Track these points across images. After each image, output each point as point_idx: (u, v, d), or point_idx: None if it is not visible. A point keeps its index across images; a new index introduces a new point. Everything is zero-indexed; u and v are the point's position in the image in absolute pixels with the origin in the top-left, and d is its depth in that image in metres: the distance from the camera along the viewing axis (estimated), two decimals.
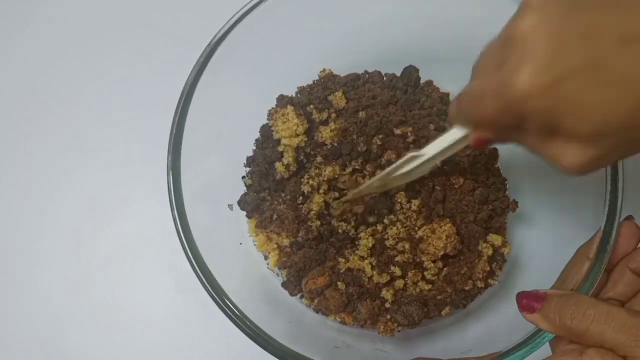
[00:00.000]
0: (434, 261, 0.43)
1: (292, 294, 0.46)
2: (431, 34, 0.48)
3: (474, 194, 0.44)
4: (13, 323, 0.55)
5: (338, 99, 0.47)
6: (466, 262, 0.44)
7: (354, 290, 0.44)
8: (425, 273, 0.44)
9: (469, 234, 0.44)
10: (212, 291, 0.39)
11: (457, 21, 0.44)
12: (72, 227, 0.56)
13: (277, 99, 0.48)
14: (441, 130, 0.46)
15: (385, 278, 0.43)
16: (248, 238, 0.48)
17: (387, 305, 0.44)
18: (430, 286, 0.44)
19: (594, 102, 0.23)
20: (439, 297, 0.44)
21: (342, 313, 0.45)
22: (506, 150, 0.47)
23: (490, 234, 0.44)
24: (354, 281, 0.44)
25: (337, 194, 0.46)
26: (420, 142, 0.45)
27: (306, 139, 0.46)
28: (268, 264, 0.47)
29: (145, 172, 0.54)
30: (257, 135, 0.48)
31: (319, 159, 0.46)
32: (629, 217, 0.37)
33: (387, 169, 0.41)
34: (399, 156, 0.43)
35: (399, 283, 0.44)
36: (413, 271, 0.44)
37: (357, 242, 0.45)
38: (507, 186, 0.46)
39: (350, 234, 0.45)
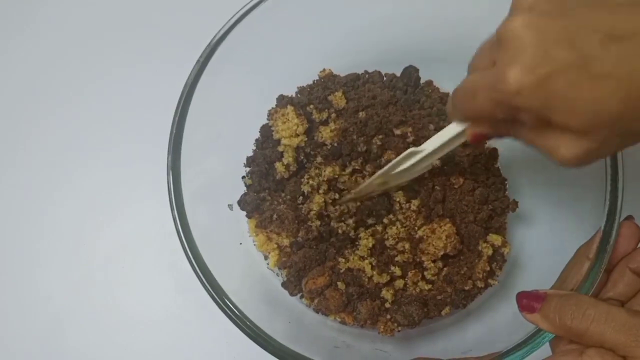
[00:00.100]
0: (434, 261, 0.43)
1: (292, 294, 0.46)
2: (431, 34, 0.48)
3: (474, 194, 0.44)
4: (13, 323, 0.55)
5: (338, 99, 0.47)
6: (466, 262, 0.44)
7: (354, 290, 0.44)
8: (425, 273, 0.44)
9: (469, 234, 0.44)
10: (212, 291, 0.39)
11: (457, 21, 0.44)
12: (72, 227, 0.56)
13: (277, 99, 0.48)
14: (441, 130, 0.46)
15: (385, 278, 0.43)
16: (248, 238, 0.48)
17: (387, 305, 0.44)
18: (430, 286, 0.44)
19: (584, 97, 0.24)
20: (439, 297, 0.44)
21: (342, 313, 0.45)
22: (506, 151, 0.47)
23: (490, 234, 0.44)
24: (354, 281, 0.44)
25: (337, 194, 0.46)
26: (420, 142, 0.45)
27: (306, 139, 0.46)
28: (268, 264, 0.47)
29: (145, 172, 0.54)
30: (257, 135, 0.48)
31: (319, 159, 0.46)
32: (629, 217, 0.37)
33: (387, 166, 0.41)
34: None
35: (399, 283, 0.44)
36: (413, 271, 0.44)
37: (357, 242, 0.45)
38: (507, 186, 0.46)
39: (350, 234, 0.45)
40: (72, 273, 0.55)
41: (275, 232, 0.46)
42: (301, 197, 0.46)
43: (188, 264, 0.39)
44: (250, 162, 0.48)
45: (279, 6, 0.43)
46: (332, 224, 0.45)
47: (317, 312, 0.46)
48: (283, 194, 0.47)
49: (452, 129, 0.35)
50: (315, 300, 0.45)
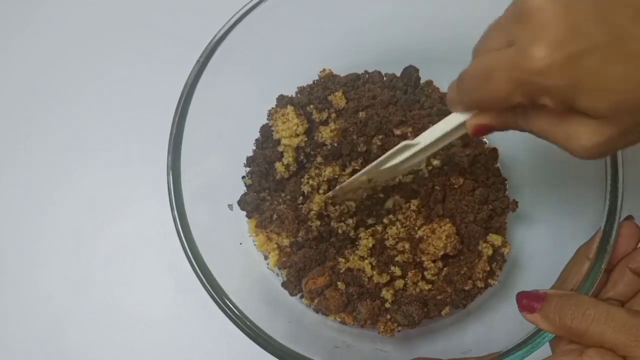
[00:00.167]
0: (434, 261, 0.43)
1: (292, 294, 0.46)
2: (431, 34, 0.48)
3: (474, 194, 0.44)
4: (13, 323, 0.55)
5: (338, 99, 0.47)
6: (466, 262, 0.43)
7: (354, 290, 0.44)
8: (425, 273, 0.44)
9: (469, 234, 0.44)
10: (212, 291, 0.39)
11: (457, 21, 0.44)
12: (72, 227, 0.56)
13: (277, 99, 0.48)
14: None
15: (385, 278, 0.43)
16: (248, 238, 0.48)
17: (387, 305, 0.44)
18: (430, 286, 0.44)
19: (615, 76, 0.23)
20: (439, 297, 0.44)
21: (342, 313, 0.45)
22: (506, 150, 0.47)
23: (490, 234, 0.44)
24: (354, 281, 0.44)
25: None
26: None
27: (306, 139, 0.46)
28: (268, 264, 0.47)
29: (145, 172, 0.54)
30: (257, 135, 0.48)
31: (319, 159, 0.46)
32: (629, 217, 0.37)
33: (378, 159, 0.39)
34: None
35: (399, 283, 0.44)
36: (413, 271, 0.44)
37: (357, 242, 0.45)
38: (507, 186, 0.46)
39: (350, 234, 0.45)
40: (72, 273, 0.55)
41: (275, 232, 0.46)
42: (301, 197, 0.46)
43: (188, 264, 0.39)
44: (250, 162, 0.48)
45: (279, 6, 0.43)
46: (332, 224, 0.45)
47: (317, 312, 0.46)
48: (283, 194, 0.47)
49: (451, 121, 0.32)
50: (315, 300, 0.45)
